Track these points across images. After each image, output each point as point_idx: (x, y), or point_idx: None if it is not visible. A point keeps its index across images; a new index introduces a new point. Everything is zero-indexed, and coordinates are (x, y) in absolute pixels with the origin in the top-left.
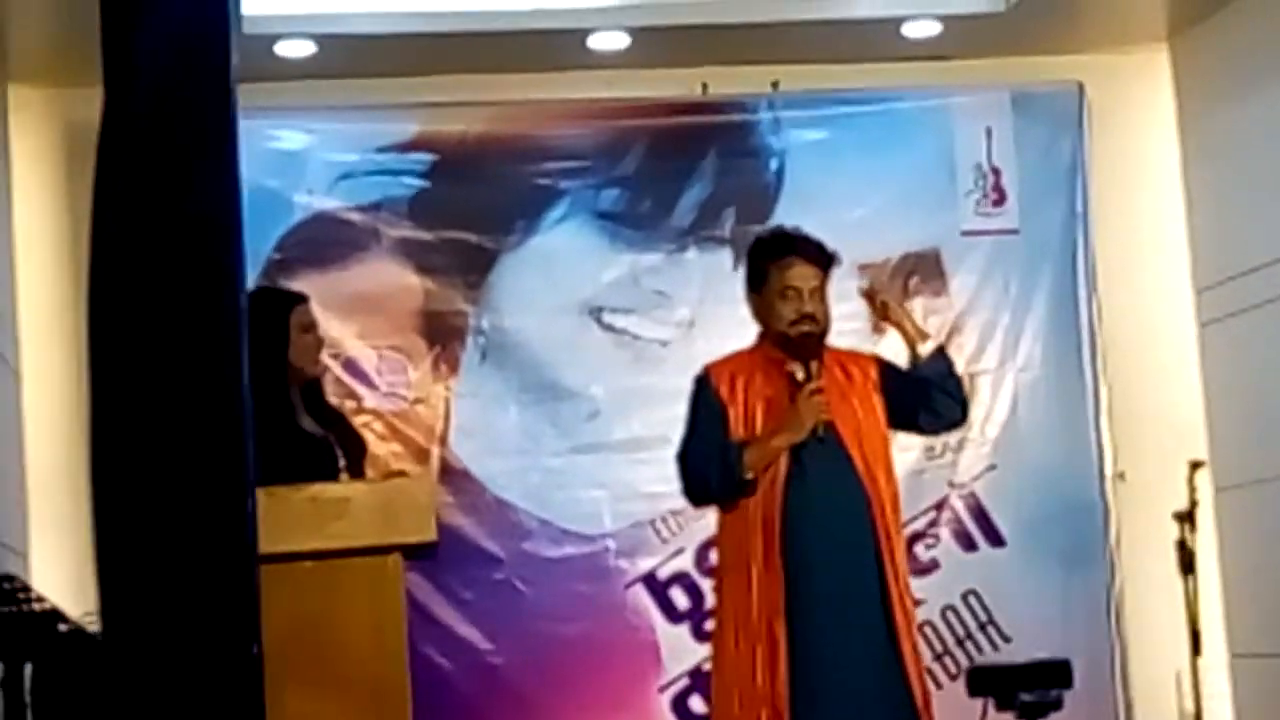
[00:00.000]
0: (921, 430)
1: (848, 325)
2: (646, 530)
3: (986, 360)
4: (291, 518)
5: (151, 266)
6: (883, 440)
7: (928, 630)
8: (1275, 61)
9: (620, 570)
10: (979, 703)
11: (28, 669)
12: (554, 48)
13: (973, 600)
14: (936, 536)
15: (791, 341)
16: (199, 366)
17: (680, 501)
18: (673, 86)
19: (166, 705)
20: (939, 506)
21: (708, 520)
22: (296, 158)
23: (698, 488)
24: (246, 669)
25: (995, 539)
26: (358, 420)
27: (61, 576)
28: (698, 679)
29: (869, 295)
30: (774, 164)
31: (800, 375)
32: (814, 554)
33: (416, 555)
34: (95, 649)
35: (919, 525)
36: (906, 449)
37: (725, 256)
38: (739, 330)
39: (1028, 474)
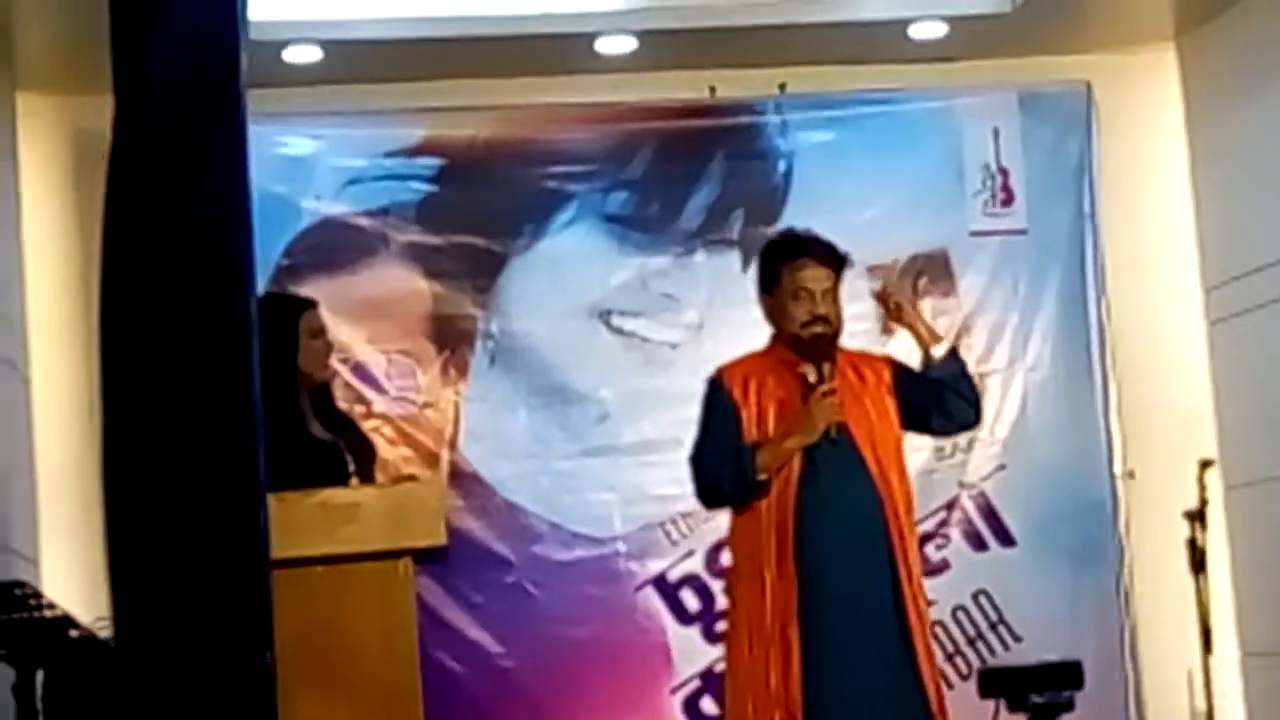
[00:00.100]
0: (934, 432)
1: (858, 326)
2: (657, 532)
3: (995, 360)
4: (301, 523)
5: (162, 273)
6: (895, 442)
7: (938, 630)
8: None
9: (631, 573)
10: (990, 704)
11: (39, 675)
12: (561, 51)
13: (983, 600)
14: (947, 537)
15: (804, 343)
16: (210, 372)
17: (690, 503)
18: (680, 89)
19: (179, 713)
20: (949, 506)
21: (718, 522)
22: (304, 163)
23: (710, 490)
24: (259, 677)
25: (1005, 539)
26: (367, 425)
27: (72, 583)
28: (709, 680)
29: (881, 297)
30: (782, 166)
31: (813, 377)
32: (827, 555)
33: (427, 559)
34: (107, 655)
35: (929, 525)
36: (917, 449)
37: (733, 259)
38: (748, 332)
39: (1037, 473)
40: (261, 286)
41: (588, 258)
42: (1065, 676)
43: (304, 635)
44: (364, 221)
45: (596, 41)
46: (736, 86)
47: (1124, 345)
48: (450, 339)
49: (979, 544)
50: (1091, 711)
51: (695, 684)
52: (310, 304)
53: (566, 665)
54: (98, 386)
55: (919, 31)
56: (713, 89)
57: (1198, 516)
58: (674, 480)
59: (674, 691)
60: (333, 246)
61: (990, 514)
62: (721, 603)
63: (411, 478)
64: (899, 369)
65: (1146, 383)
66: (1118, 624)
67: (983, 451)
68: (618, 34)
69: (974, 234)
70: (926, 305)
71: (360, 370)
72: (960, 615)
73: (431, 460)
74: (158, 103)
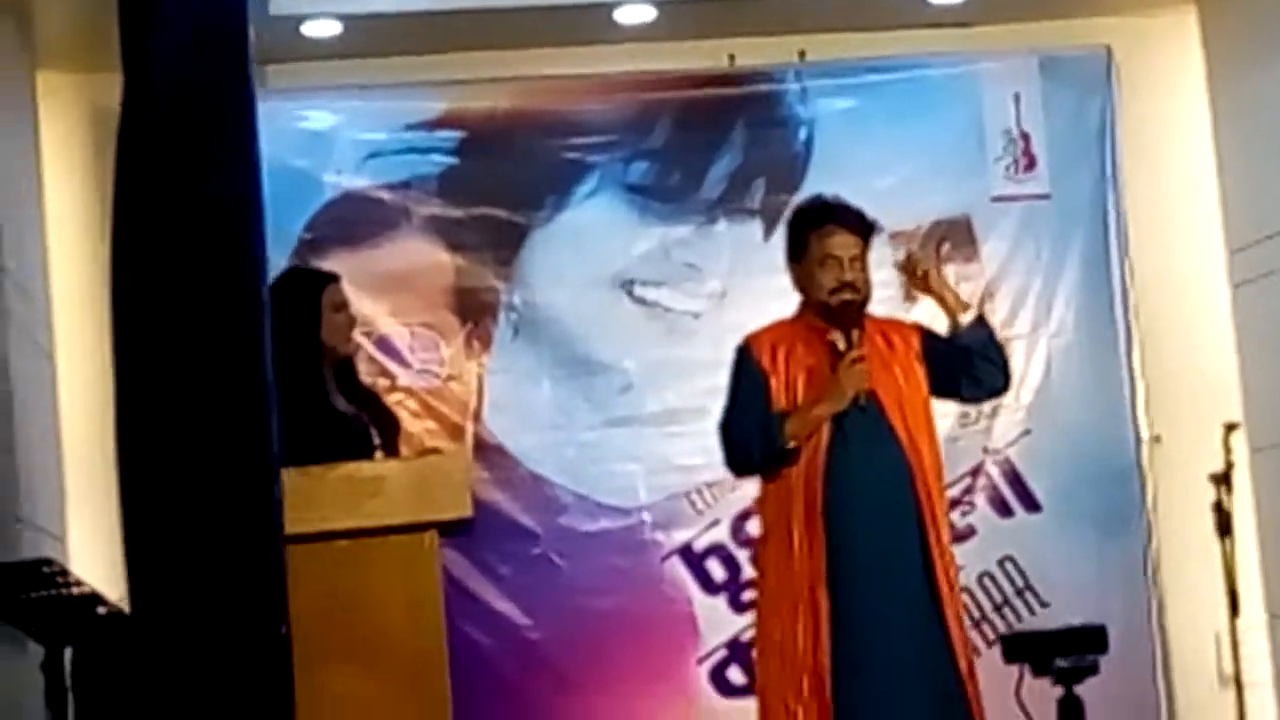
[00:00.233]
0: (964, 399)
1: (882, 293)
2: (682, 502)
3: (1019, 326)
4: (326, 497)
5: (173, 247)
6: (925, 408)
7: (965, 597)
8: None
9: (656, 543)
10: (1016, 669)
11: (68, 652)
12: (580, 22)
13: (1009, 566)
14: (972, 503)
15: (832, 310)
16: (221, 346)
17: (715, 473)
18: (699, 58)
19: (197, 685)
20: (974, 473)
21: (743, 491)
22: (325, 137)
23: (740, 458)
24: (275, 648)
25: (1031, 504)
26: (391, 398)
27: (99, 560)
28: (736, 650)
29: (907, 265)
30: (802, 134)
31: (841, 344)
32: (856, 522)
33: (452, 532)
34: (134, 631)
35: (954, 492)
36: (941, 416)
37: (755, 227)
38: (770, 300)
39: (1062, 439)
40: (283, 261)
41: (609, 228)
42: (1090, 640)
43: (329, 608)
44: (385, 195)
45: (615, 11)
46: (756, 55)
47: (1148, 309)
48: (473, 311)
49: (1004, 510)
50: (1118, 675)
51: (722, 653)
52: (332, 278)
53: (593, 636)
54: (111, 362)
55: None
56: (732, 57)
57: (1223, 479)
58: (699, 450)
59: (700, 661)
60: (354, 220)
61: (1015, 480)
62: (747, 572)
63: (436, 450)
64: (928, 335)
65: (1171, 346)
66: (1144, 588)
67: (1007, 417)
68: (636, 3)
69: (996, 199)
70: (949, 271)
71: (383, 344)
72: (986, 581)
73: (456, 433)
74: (166, 78)
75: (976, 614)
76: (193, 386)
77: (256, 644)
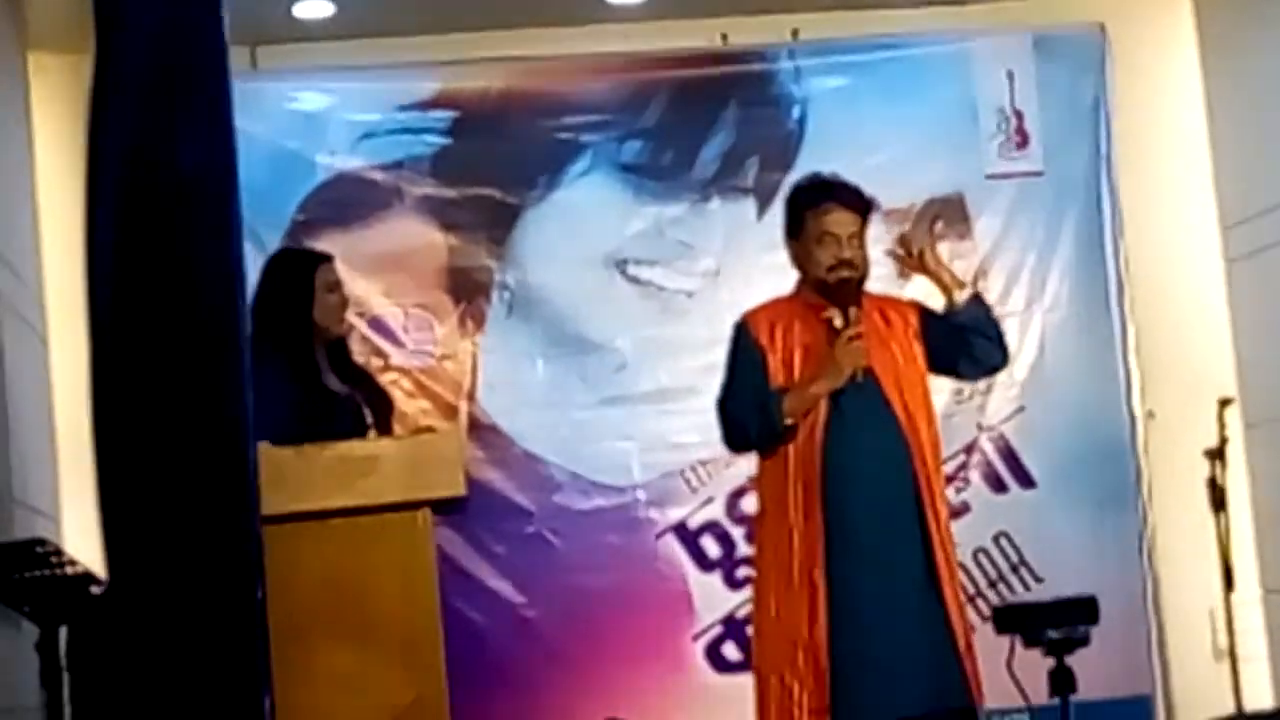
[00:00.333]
0: (961, 376)
1: (877, 270)
2: (676, 480)
3: (1013, 303)
4: (320, 476)
5: (146, 219)
6: (923, 385)
7: (959, 573)
8: None
9: (651, 521)
10: (1008, 641)
11: (62, 632)
12: (573, 2)
13: (1004, 542)
14: (967, 479)
15: (830, 288)
16: (196, 318)
17: (709, 451)
18: (692, 38)
19: (174, 650)
20: (969, 449)
21: (737, 469)
22: (318, 118)
23: (738, 435)
24: (250, 613)
25: (1025, 480)
26: (385, 378)
27: (93, 540)
28: (731, 626)
29: (903, 244)
30: (795, 112)
31: (839, 322)
32: (854, 500)
33: (446, 510)
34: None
35: (949, 469)
36: (936, 393)
37: (749, 206)
38: (764, 279)
39: (1057, 415)
40: (277, 242)
41: (603, 207)
42: (1081, 611)
43: (324, 587)
44: (378, 175)
45: None
46: (748, 34)
47: (1142, 285)
48: (466, 291)
49: (999, 486)
50: (1114, 650)
51: (717, 630)
52: (325, 258)
53: (588, 614)
54: (87, 336)
55: None
56: (724, 36)
57: (1217, 455)
58: (692, 428)
59: (696, 638)
60: (347, 201)
61: (1010, 456)
62: (742, 549)
63: (430, 429)
64: (925, 313)
65: (1165, 322)
66: (1139, 563)
67: (1002, 394)
68: None
69: (990, 177)
70: (943, 249)
71: (377, 324)
72: (981, 557)
73: (450, 412)
74: (139, 51)
75: (971, 590)
76: (166, 356)
77: (231, 613)
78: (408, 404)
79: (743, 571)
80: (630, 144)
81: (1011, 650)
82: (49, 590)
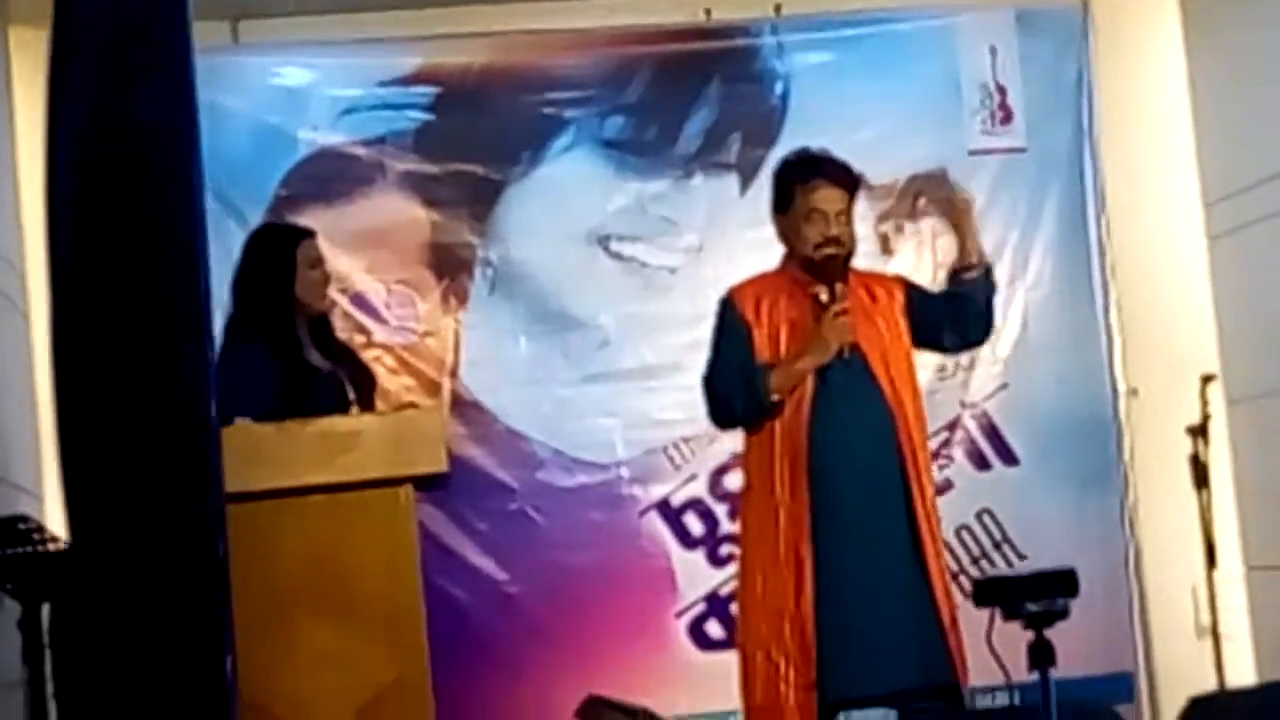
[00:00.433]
0: (945, 349)
1: (860, 247)
2: (659, 457)
3: (996, 279)
4: (302, 452)
5: (104, 172)
6: (908, 361)
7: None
8: None
9: (634, 498)
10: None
11: (45, 609)
12: None
13: (987, 519)
14: (949, 457)
15: (816, 264)
16: (156, 270)
17: (692, 428)
18: (675, 13)
19: (135, 613)
20: (951, 426)
21: (720, 446)
22: (299, 94)
23: (723, 411)
24: (212, 574)
25: (1008, 457)
26: (368, 355)
27: None
28: (714, 604)
29: (953, 199)
30: (779, 88)
31: (825, 297)
32: (840, 475)
33: (428, 486)
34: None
35: (932, 445)
36: (920, 369)
37: (731, 182)
38: (747, 255)
39: (1040, 392)
40: (259, 217)
41: (585, 183)
42: (1060, 584)
43: (306, 563)
44: (360, 151)
45: None
46: (731, 9)
47: (1124, 262)
48: (449, 267)
49: (982, 463)
50: (1097, 628)
51: (700, 607)
52: (307, 234)
53: (571, 591)
54: (47, 291)
55: None
56: (708, 12)
57: (1200, 431)
58: (675, 405)
59: (679, 615)
60: (330, 177)
61: (993, 433)
62: (725, 526)
63: (412, 406)
64: (911, 288)
65: (1147, 298)
66: (1121, 540)
67: (984, 370)
68: None
69: (973, 153)
70: (926, 225)
71: (360, 300)
72: (964, 534)
73: (433, 389)
74: (97, 8)
75: (955, 567)
76: (127, 316)
77: (191, 574)
78: (390, 381)
79: (726, 549)
80: (613, 120)
81: (991, 624)
82: (32, 567)
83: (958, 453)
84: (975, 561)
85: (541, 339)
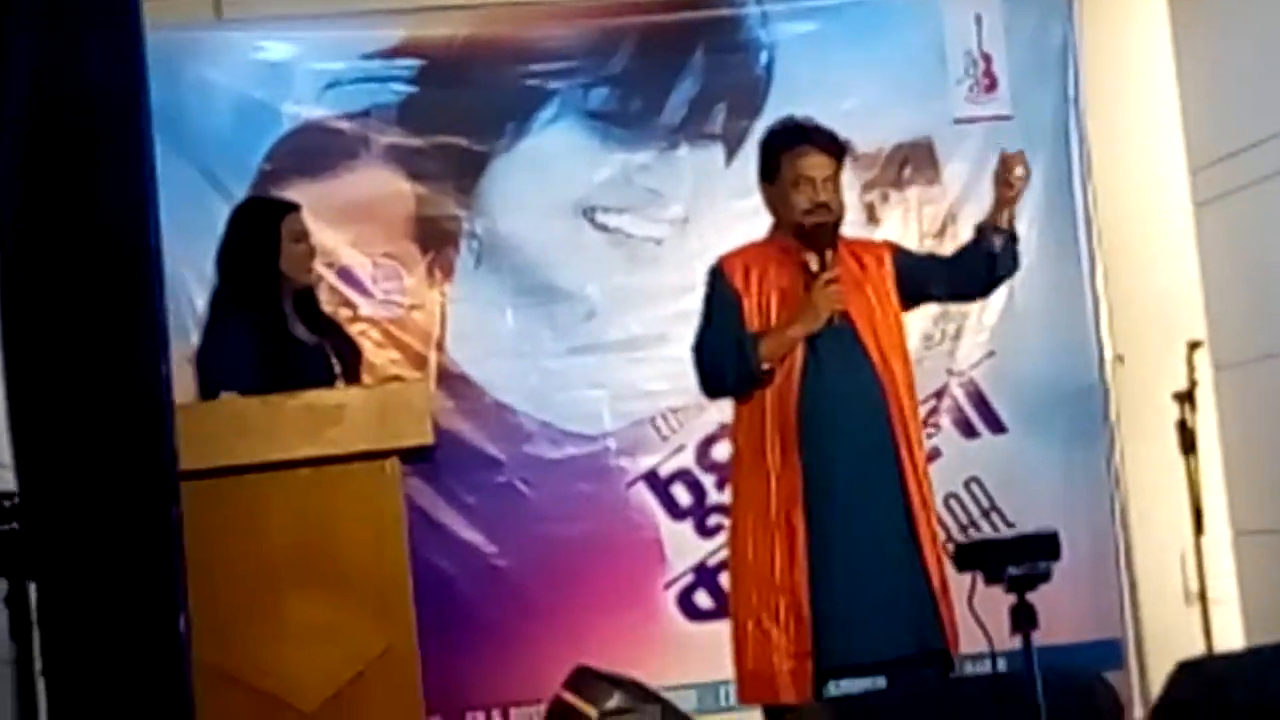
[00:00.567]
0: (934, 298)
1: (848, 215)
2: (647, 428)
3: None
4: (287, 425)
5: (50, 135)
6: (898, 328)
7: None
8: None
9: (621, 469)
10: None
11: (32, 587)
12: None
13: (975, 487)
14: (937, 425)
15: (806, 231)
16: (105, 231)
17: (680, 398)
18: None
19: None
20: (939, 394)
21: (708, 416)
22: (283, 68)
23: (713, 380)
24: (164, 532)
25: (996, 425)
26: (354, 329)
27: None
28: (703, 574)
29: (1006, 162)
30: (763, 58)
31: (814, 265)
32: (831, 443)
33: (415, 459)
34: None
35: (920, 413)
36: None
37: (717, 152)
38: (733, 225)
39: (1027, 360)
40: (244, 192)
41: (570, 155)
42: (1042, 547)
43: (293, 536)
44: (345, 125)
45: None
46: None
47: (1110, 229)
48: (435, 240)
49: (970, 431)
50: (1085, 595)
51: (689, 578)
52: (292, 207)
53: (560, 563)
54: None
55: None
56: None
57: (1187, 398)
58: (663, 375)
59: (668, 586)
60: (314, 151)
61: (980, 401)
62: (713, 497)
63: (398, 379)
64: (900, 253)
65: (1134, 266)
66: (1110, 507)
67: (971, 339)
68: None
69: (958, 121)
70: (912, 194)
71: (345, 274)
72: (952, 503)
73: (419, 362)
74: None
75: (943, 535)
76: (73, 275)
77: (142, 531)
78: (377, 354)
79: (714, 519)
80: (597, 91)
81: (973, 589)
82: (18, 544)
83: (945, 421)
84: (964, 529)
85: (528, 311)
